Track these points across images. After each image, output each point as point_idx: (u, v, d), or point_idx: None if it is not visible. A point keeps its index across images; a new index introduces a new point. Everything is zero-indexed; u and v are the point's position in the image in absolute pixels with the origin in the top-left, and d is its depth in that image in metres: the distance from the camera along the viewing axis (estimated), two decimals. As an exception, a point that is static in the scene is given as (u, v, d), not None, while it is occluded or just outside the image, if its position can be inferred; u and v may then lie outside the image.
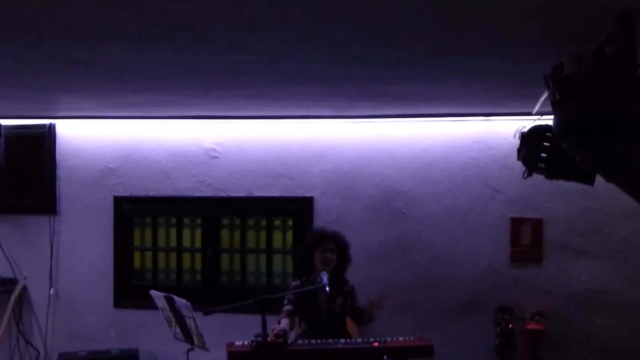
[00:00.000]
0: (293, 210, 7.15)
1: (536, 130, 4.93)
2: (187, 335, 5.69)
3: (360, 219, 6.92)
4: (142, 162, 7.34)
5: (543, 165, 4.86)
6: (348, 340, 5.39)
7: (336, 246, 5.64)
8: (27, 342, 7.51)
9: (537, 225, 6.64)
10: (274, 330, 5.10)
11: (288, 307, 5.43)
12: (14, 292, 7.20)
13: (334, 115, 6.69)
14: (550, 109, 3.75)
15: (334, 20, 3.13)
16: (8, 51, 3.84)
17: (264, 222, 7.29)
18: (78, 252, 7.44)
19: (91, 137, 7.42)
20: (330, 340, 5.27)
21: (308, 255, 5.65)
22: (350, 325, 5.88)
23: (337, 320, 5.63)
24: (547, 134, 4.80)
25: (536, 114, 5.63)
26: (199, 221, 7.40)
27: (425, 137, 6.85)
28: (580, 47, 3.25)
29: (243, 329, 5.37)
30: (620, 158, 3.18)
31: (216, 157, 7.20)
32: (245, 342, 5.13)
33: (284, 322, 5.29)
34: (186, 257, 7.47)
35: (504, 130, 6.41)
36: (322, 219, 6.87)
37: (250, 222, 7.31)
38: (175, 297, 5.58)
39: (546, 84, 3.51)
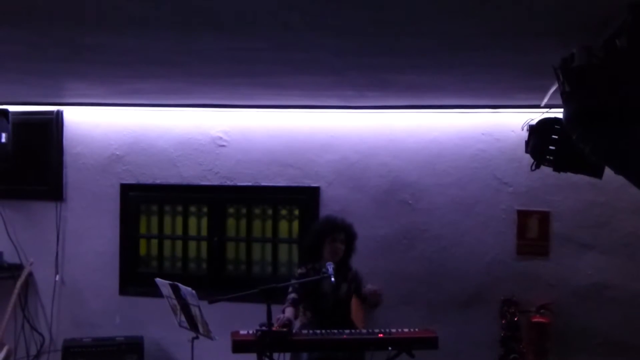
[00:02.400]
0: (299, 199, 7.14)
1: (545, 123, 4.93)
2: (192, 324, 5.70)
3: (366, 209, 6.90)
4: (149, 149, 7.34)
5: (551, 157, 4.85)
6: (353, 330, 5.39)
7: (346, 236, 5.64)
8: (33, 327, 7.53)
9: (544, 218, 6.62)
10: (278, 319, 5.10)
11: (292, 296, 5.42)
12: (19, 278, 7.22)
13: (341, 105, 6.68)
14: (558, 101, 3.74)
15: (342, 8, 3.11)
16: (17, 36, 3.84)
17: (270, 212, 7.29)
18: (84, 239, 7.46)
19: (98, 124, 7.42)
20: (335, 331, 5.26)
21: (317, 244, 5.64)
22: (355, 314, 5.88)
23: (342, 307, 5.62)
24: (556, 126, 4.79)
25: (544, 107, 5.62)
26: (205, 209, 7.41)
27: (432, 129, 6.83)
28: (590, 38, 3.23)
29: (248, 318, 5.37)
30: (631, 150, 3.17)
31: (223, 146, 7.20)
32: (250, 331, 5.13)
33: (289, 311, 5.29)
34: (192, 245, 7.47)
35: (511, 122, 6.38)
36: (328, 209, 6.86)
37: (257, 211, 7.31)
38: (181, 285, 5.59)
39: (556, 75, 3.50)
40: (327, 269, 5.22)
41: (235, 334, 5.23)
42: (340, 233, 5.60)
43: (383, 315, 6.18)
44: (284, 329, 5.05)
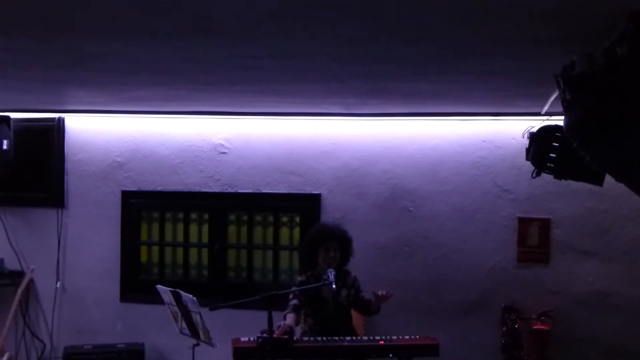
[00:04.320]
0: (300, 206, 7.15)
1: (546, 130, 4.94)
2: (193, 331, 5.70)
3: (367, 216, 6.91)
4: (150, 157, 7.35)
5: (552, 165, 4.86)
6: (354, 338, 5.39)
7: (339, 244, 5.63)
8: (34, 335, 7.52)
9: (545, 225, 6.62)
10: (279, 326, 5.09)
11: (294, 302, 5.43)
12: (20, 285, 7.22)
13: (343, 112, 6.69)
14: (559, 109, 3.75)
15: (344, 16, 3.12)
16: (19, 43, 3.85)
17: (271, 219, 7.29)
18: (85, 246, 7.46)
19: (100, 131, 7.43)
20: (336, 338, 5.27)
21: (311, 252, 5.64)
22: (356, 320, 5.87)
23: (343, 313, 5.63)
24: (557, 134, 4.80)
25: (545, 114, 5.63)
26: (206, 216, 7.41)
27: (433, 136, 6.84)
28: (591, 46, 3.24)
29: (249, 325, 5.38)
30: (631, 157, 3.17)
31: (224, 153, 7.20)
32: (251, 338, 5.13)
33: (290, 318, 5.29)
34: (193, 252, 7.47)
35: (512, 129, 6.40)
36: (329, 216, 6.87)
37: (258, 218, 7.31)
38: (182, 292, 5.59)
39: (557, 83, 3.51)
40: (328, 276, 5.23)
41: (236, 341, 5.23)
42: (333, 242, 5.60)
43: (384, 322, 6.17)
44: (285, 336, 5.06)
